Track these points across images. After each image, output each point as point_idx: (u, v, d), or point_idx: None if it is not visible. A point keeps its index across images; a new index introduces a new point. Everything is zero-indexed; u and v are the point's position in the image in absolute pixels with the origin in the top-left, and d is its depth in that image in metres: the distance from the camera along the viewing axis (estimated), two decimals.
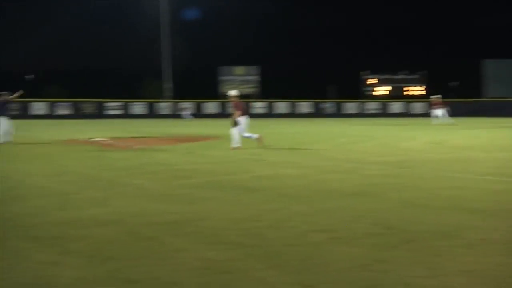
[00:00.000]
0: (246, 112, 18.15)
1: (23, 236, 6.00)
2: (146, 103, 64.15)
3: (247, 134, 17.86)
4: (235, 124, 17.92)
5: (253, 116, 64.67)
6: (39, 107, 60.67)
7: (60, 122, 49.22)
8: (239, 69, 76.20)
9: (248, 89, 74.36)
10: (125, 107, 63.57)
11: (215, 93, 72.65)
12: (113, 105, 63.52)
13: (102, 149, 18.01)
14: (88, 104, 63.36)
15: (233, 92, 18.29)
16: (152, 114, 61.46)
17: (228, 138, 18.29)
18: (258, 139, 17.83)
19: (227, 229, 6.37)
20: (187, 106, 61.90)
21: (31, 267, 4.95)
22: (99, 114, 61.25)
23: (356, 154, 15.62)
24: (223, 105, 61.61)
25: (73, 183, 9.94)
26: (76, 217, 6.92)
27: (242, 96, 19.98)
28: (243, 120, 17.84)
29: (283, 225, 6.56)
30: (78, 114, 60.97)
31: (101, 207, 7.61)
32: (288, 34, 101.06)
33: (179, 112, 60.58)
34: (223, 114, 62.21)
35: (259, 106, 64.44)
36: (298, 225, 6.55)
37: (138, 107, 63.40)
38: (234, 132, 17.65)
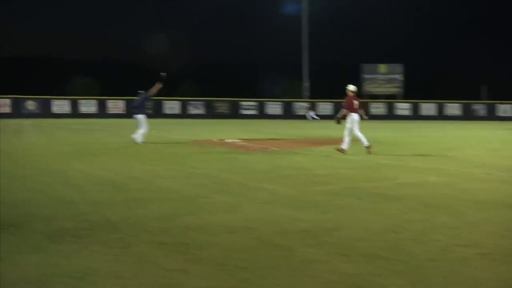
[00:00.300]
0: (357, 110, 17.61)
1: (149, 241, 6.15)
2: (281, 102, 64.82)
3: (359, 134, 17.34)
4: (339, 121, 17.65)
5: (396, 118, 63.23)
6: (171, 105, 63.48)
7: (192, 121, 51.32)
8: (382, 67, 74.56)
9: (391, 89, 72.56)
10: (260, 106, 64.58)
11: (357, 93, 72.04)
12: (248, 105, 64.83)
13: (235, 151, 18.37)
14: (222, 103, 65.20)
15: (351, 87, 17.87)
16: (288, 114, 61.98)
17: (371, 142, 17.89)
18: (368, 147, 17.26)
19: (364, 240, 6.16)
20: (310, 106, 61.83)
21: (157, 274, 5.04)
22: (233, 113, 62.71)
23: (511, 162, 14.63)
24: (366, 106, 60.63)
25: (203, 186, 10.17)
26: (205, 223, 7.02)
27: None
28: (352, 118, 17.41)
29: (426, 237, 6.26)
30: (211, 114, 63.03)
31: (231, 213, 7.69)
32: (434, 28, 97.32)
33: (304, 113, 60.63)
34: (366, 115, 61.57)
35: (402, 107, 62.73)
36: (442, 238, 6.23)
37: (273, 106, 64.22)
38: (354, 134, 17.34)
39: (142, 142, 21.18)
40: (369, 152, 16.93)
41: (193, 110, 64.67)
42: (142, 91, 22.76)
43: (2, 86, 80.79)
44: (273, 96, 73.03)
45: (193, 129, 35.41)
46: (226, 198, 8.91)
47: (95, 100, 66.87)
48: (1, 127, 37.35)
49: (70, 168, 12.68)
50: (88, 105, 65.67)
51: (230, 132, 30.47)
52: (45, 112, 62.07)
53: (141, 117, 21.98)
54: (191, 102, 65.73)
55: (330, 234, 6.43)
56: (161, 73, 22.64)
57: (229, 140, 23.15)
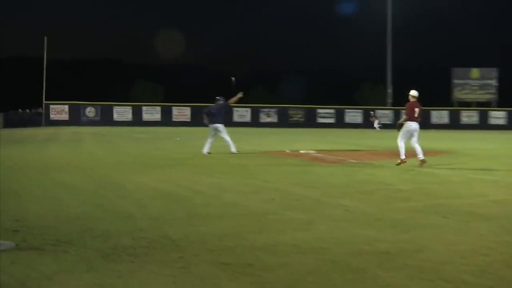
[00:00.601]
0: (417, 118, 17.29)
1: (211, 261, 6.17)
2: (362, 110, 64.27)
3: (416, 145, 17.10)
4: (400, 129, 17.44)
5: (490, 127, 61.52)
6: (241, 113, 64.04)
7: (264, 130, 51.62)
8: (475, 72, 72.64)
9: (485, 96, 70.59)
10: (338, 114, 64.25)
11: (444, 100, 70.21)
12: (325, 112, 64.56)
13: (309, 163, 18.34)
14: (297, 111, 65.17)
15: (412, 92, 17.60)
16: (369, 123, 61.36)
17: (460, 154, 17.52)
18: (422, 160, 16.93)
19: (449, 263, 6.02)
20: (374, 114, 60.88)
21: None
22: (309, 122, 62.57)
23: None
24: (456, 114, 59.24)
25: (272, 201, 10.18)
26: (274, 242, 7.02)
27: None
28: (411, 126, 17.14)
29: None
30: (284, 122, 63.09)
31: (302, 231, 7.67)
32: None
33: (372, 122, 59.75)
34: (454, 125, 59.91)
35: (497, 116, 60.97)
36: None
37: (353, 114, 63.70)
38: (400, 143, 17.16)
39: (207, 153, 21.51)
40: (421, 166, 16.74)
41: (265, 118, 65.04)
42: (221, 98, 22.91)
43: (60, 92, 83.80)
44: (353, 103, 72.54)
45: (265, 138, 35.63)
46: (298, 214, 8.89)
47: (159, 107, 68.18)
48: (58, 135, 38.77)
49: (129, 181, 12.97)
50: (151, 112, 66.99)
51: (304, 142, 30.45)
52: (105, 120, 63.68)
53: (220, 126, 22.24)
54: (263, 110, 66.04)
55: (411, 256, 6.32)
56: (231, 78, 23.04)
57: (303, 151, 23.15)
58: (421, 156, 17.02)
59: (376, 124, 59.10)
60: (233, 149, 21.82)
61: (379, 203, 9.98)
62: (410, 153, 17.31)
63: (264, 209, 9.37)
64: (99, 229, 7.63)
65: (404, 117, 17.74)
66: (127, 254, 6.42)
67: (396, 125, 18.27)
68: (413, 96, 17.57)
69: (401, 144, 17.21)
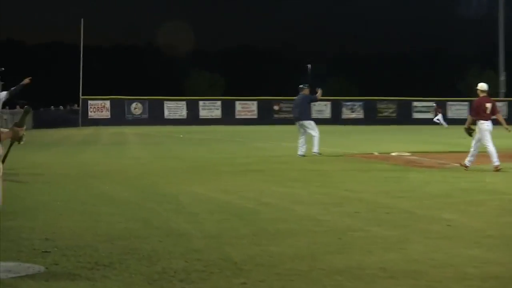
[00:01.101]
0: (489, 116, 17.07)
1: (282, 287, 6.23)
2: (468, 102, 63.15)
3: (491, 148, 16.97)
4: (470, 132, 17.52)
5: None
6: (319, 108, 63.91)
7: (347, 129, 51.35)
8: None
9: None
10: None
11: None
12: (422, 106, 63.69)
13: (402, 168, 18.21)
14: (387, 105, 64.52)
15: (481, 86, 17.31)
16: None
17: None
18: (497, 167, 16.75)
19: None
20: (438, 107, 59.51)
21: None
22: (402, 117, 61.80)
23: None
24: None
25: (357, 215, 10.15)
26: (357, 264, 6.99)
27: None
28: (488, 126, 17.03)
29: None
30: (372, 118, 62.51)
31: (393, 252, 7.60)
32: None
33: (433, 117, 58.52)
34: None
35: None
36: None
37: (458, 108, 62.64)
38: (489, 148, 17.01)
39: (319, 154, 21.73)
40: (496, 171, 16.65)
41: (348, 114, 64.77)
42: (305, 86, 23.06)
43: (100, 85, 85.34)
44: (457, 94, 71.28)
45: (348, 138, 35.49)
46: (387, 231, 8.84)
47: (219, 102, 68.71)
48: (98, 137, 39.58)
49: (183, 191, 13.13)
50: (210, 108, 67.55)
51: (396, 142, 30.17)
52: (154, 118, 64.35)
53: (307, 123, 22.45)
54: (346, 103, 65.69)
55: None
56: (307, 65, 23.28)
57: (395, 154, 22.96)
58: (496, 161, 16.93)
59: (440, 119, 57.96)
60: (315, 148, 22.03)
61: (489, 217, 9.84)
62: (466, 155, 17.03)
63: (346, 225, 9.35)
64: (146, 250, 7.74)
65: (469, 117, 17.80)
66: (179, 279, 6.49)
67: (465, 130, 17.93)
68: (482, 91, 17.38)
69: (491, 149, 17.03)
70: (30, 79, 16.91)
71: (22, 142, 6.32)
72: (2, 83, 15.59)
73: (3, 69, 16.09)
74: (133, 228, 9.14)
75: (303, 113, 22.82)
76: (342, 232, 8.78)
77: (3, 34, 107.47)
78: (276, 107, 67.08)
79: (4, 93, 16.24)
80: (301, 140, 22.34)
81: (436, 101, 63.01)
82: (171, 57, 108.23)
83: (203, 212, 10.54)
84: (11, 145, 6.44)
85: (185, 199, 12.06)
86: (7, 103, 16.88)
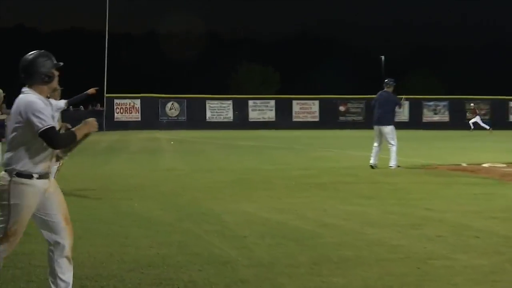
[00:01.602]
0: None
1: None
2: None
3: None
4: None
5: None
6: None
7: (428, 134, 50.93)
8: None
9: None
10: None
11: None
12: None
13: (496, 182, 18.08)
14: (478, 105, 63.75)
15: None
16: None
17: None
18: None
19: None
20: (475, 108, 58.53)
21: None
22: (498, 120, 61.02)
23: None
24: None
25: (439, 240, 10.11)
26: None
27: None
28: None
29: None
30: (460, 121, 61.78)
31: (484, 285, 7.57)
32: None
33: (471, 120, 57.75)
34: None
35: None
36: None
37: None
38: None
39: (397, 166, 21.66)
40: None
41: (430, 116, 64.27)
42: (391, 81, 22.69)
43: (128, 80, 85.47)
44: None
45: (430, 146, 35.26)
46: (477, 259, 8.77)
47: (272, 101, 68.72)
48: (126, 144, 39.85)
49: (228, 210, 13.17)
50: (261, 109, 67.57)
51: (489, 151, 29.93)
52: (194, 120, 64.48)
53: (388, 128, 22.22)
54: (427, 103, 65.17)
55: None
56: (380, 57, 23.10)
57: (487, 165, 22.74)
58: None
59: (479, 122, 57.17)
60: (393, 162, 21.76)
61: None
62: None
63: (427, 251, 9.31)
64: (182, 281, 7.79)
65: None
66: None
67: None
68: None
69: None
70: (96, 90, 17.22)
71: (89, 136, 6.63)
72: (62, 88, 15.61)
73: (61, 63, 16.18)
74: (167, 254, 9.20)
75: (385, 116, 22.27)
76: (421, 261, 8.75)
77: (10, 20, 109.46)
78: (342, 108, 66.93)
79: (63, 101, 16.21)
80: (375, 149, 22.08)
81: (474, 100, 62.37)
82: (214, 46, 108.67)
83: (252, 235, 10.58)
84: (83, 139, 6.78)
85: (231, 219, 12.11)
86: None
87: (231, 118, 66.30)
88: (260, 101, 68.52)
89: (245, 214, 12.70)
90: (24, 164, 6.43)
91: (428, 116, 64.87)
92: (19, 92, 6.65)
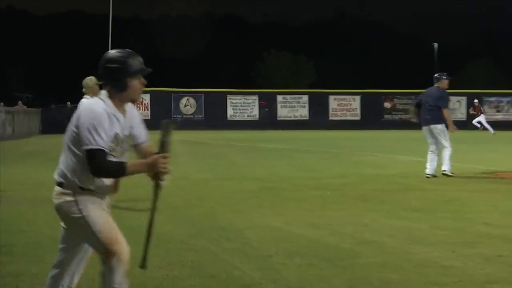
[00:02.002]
0: None
1: None
2: None
3: None
4: None
5: None
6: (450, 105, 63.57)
7: (488, 134, 50.78)
8: None
9: None
10: None
11: None
12: None
13: None
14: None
15: None
16: None
17: None
18: None
19: None
20: (476, 106, 58.43)
21: None
22: None
23: None
24: None
25: (500, 261, 10.06)
26: None
27: None
28: None
29: None
30: None
31: None
32: None
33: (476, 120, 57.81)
34: None
35: None
36: None
37: None
38: None
39: (451, 173, 21.64)
40: None
41: (492, 113, 64.09)
42: (443, 76, 22.46)
43: (188, 71, 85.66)
44: None
45: (490, 149, 35.15)
46: None
47: (305, 96, 68.78)
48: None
49: (251, 224, 13.23)
50: (292, 105, 67.54)
51: None
52: (213, 119, 64.62)
53: (437, 127, 22.09)
54: (489, 99, 65.03)
55: None
56: (433, 44, 22.95)
57: None
58: None
59: (483, 122, 57.13)
60: (446, 167, 21.72)
61: None
62: None
63: (485, 274, 9.29)
64: None
65: None
66: None
67: None
68: None
69: None
70: None
71: (163, 183, 6.48)
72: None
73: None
74: (178, 277, 9.25)
75: (436, 114, 22.12)
76: (478, 285, 8.76)
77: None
78: (387, 105, 66.85)
79: None
80: (431, 154, 21.93)
81: (476, 94, 62.20)
82: (236, 32, 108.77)
83: (278, 254, 10.59)
84: (156, 191, 6.74)
85: (254, 235, 12.15)
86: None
87: (257, 116, 66.45)
88: (291, 96, 68.59)
89: (271, 229, 12.73)
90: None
91: (489, 114, 64.63)
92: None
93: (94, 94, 16.47)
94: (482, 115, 57.98)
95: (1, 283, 8.54)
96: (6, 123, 51.90)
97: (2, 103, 57.54)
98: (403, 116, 64.46)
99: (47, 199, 16.49)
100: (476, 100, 61.13)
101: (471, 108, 60.73)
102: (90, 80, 16.09)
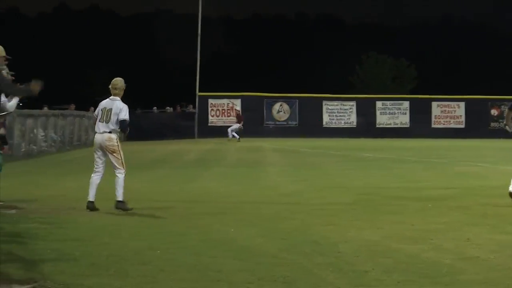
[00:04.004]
0: None
1: None
2: None
3: None
4: None
5: None
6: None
7: None
8: None
9: None
10: None
11: None
12: None
13: None
14: None
15: None
16: None
17: None
18: None
19: None
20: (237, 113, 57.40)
21: None
22: None
23: None
24: None
25: None
26: None
27: None
28: None
29: None
30: None
31: None
32: None
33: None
34: None
35: None
36: None
37: None
38: None
39: None
40: None
41: None
42: None
43: (225, 76, 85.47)
44: None
45: None
46: None
47: (406, 102, 68.32)
48: (221, 154, 40.15)
49: (345, 237, 13.24)
50: (392, 111, 67.15)
51: None
52: (307, 126, 64.40)
53: None
54: None
55: None
56: None
57: None
58: None
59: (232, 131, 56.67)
60: None
61: None
62: None
63: None
64: None
65: None
66: None
67: None
68: None
69: None
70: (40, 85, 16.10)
71: None
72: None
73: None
74: None
75: None
76: None
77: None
78: (494, 112, 66.11)
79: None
80: None
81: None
82: (333, 33, 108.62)
83: (375, 269, 10.57)
84: None
85: (349, 249, 12.13)
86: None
87: (354, 123, 66.16)
88: (391, 102, 68.21)
89: (368, 243, 12.70)
90: None
91: None
92: None
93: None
94: None
95: None
96: (89, 129, 52.49)
97: (92, 108, 58.12)
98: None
99: (131, 209, 16.75)
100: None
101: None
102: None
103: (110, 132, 16.68)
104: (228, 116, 65.51)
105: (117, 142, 17.00)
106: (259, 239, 13.20)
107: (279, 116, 66.41)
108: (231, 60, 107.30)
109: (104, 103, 16.98)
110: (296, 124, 65.85)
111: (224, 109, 65.87)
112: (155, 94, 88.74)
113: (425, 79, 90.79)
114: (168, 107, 70.62)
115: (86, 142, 49.37)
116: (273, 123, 66.04)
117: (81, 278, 9.70)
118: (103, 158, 17.19)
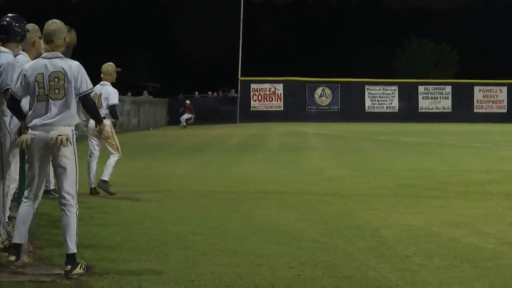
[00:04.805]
0: None
1: None
2: None
3: None
4: None
5: None
6: None
7: None
8: None
9: None
10: None
11: None
12: None
13: None
14: None
15: None
16: None
17: None
18: None
19: None
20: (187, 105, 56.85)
21: None
22: None
23: None
24: None
25: None
26: None
27: None
28: None
29: None
30: None
31: None
32: None
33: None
34: None
35: None
36: None
37: None
38: None
39: None
40: None
41: None
42: None
43: (267, 60, 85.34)
44: None
45: None
46: None
47: (448, 86, 68.03)
48: (264, 139, 40.14)
49: (388, 222, 13.23)
50: (434, 96, 66.89)
51: None
52: (350, 110, 64.26)
53: None
54: None
55: None
56: None
57: None
58: None
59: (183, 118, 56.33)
60: None
61: None
62: None
63: None
64: None
65: None
66: None
67: None
68: None
69: None
70: None
71: None
72: None
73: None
74: (310, 277, 9.26)
75: None
76: None
77: None
78: None
79: None
80: None
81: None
82: (375, 18, 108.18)
83: (417, 254, 10.54)
84: None
85: (391, 234, 12.11)
86: None
87: (396, 107, 65.96)
88: (433, 86, 67.94)
89: (409, 228, 12.67)
90: None
91: None
92: None
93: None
94: None
95: (123, 282, 8.69)
96: (131, 114, 52.65)
97: (129, 93, 58.22)
98: None
99: (172, 193, 16.82)
100: None
101: None
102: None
103: (103, 118, 16.77)
104: (270, 101, 65.46)
105: (110, 128, 17.08)
106: (300, 223, 13.20)
107: (321, 100, 66.28)
108: (273, 45, 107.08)
109: (95, 89, 17.11)
110: (338, 109, 65.73)
111: (266, 93, 65.77)
112: (197, 79, 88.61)
113: (467, 64, 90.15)
114: (210, 92, 70.59)
115: (127, 127, 49.39)
116: (315, 107, 65.93)
117: (122, 263, 9.74)
118: (98, 143, 17.36)
